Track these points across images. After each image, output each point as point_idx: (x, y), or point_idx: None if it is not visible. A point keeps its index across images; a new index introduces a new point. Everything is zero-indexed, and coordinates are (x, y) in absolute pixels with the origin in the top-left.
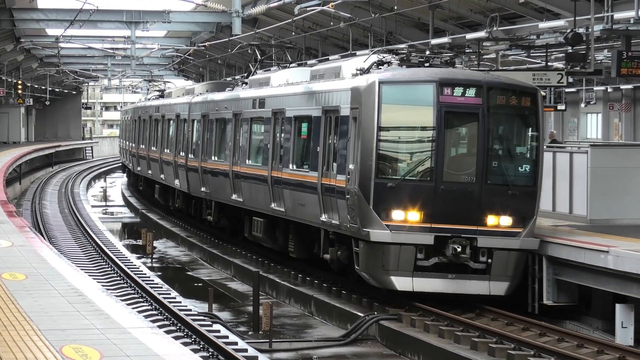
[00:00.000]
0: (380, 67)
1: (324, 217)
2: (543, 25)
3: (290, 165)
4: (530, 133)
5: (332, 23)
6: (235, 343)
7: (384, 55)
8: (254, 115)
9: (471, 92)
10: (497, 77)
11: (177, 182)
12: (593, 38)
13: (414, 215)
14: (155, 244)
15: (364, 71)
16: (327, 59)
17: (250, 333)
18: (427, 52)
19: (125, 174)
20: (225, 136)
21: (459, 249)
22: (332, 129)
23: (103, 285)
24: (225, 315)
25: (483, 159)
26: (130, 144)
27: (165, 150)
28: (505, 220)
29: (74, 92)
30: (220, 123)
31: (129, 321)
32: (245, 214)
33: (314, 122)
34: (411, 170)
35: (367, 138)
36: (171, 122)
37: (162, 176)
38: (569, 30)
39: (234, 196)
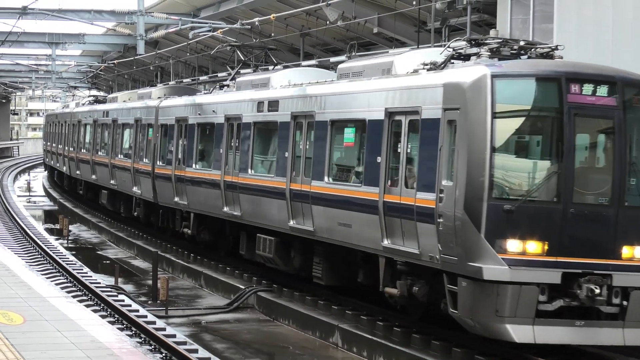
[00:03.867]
0: (453, 61)
1: (386, 243)
2: (392, 51)
3: (326, 178)
4: None
5: (220, 46)
6: (137, 310)
7: (465, 46)
8: (260, 119)
9: (603, 90)
10: (629, 72)
11: (136, 189)
12: None
13: (536, 246)
14: (71, 227)
15: (438, 66)
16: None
17: (149, 302)
18: (522, 43)
19: (47, 171)
20: (213, 142)
21: (596, 290)
22: (405, 135)
23: (26, 262)
24: (129, 287)
25: (620, 175)
26: (67, 148)
27: (119, 156)
28: None
29: (4, 101)
30: (206, 128)
31: (48, 291)
32: (241, 229)
33: (370, 127)
34: (534, 188)
35: (477, 148)
36: (127, 127)
37: (112, 182)
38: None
39: (226, 209)
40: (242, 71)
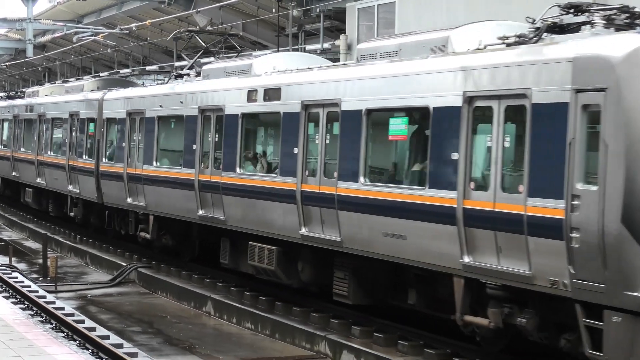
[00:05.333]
0: (548, 33)
1: (468, 260)
2: (256, 54)
3: (361, 179)
4: None
5: (101, 49)
6: (29, 286)
7: (560, 14)
8: (251, 110)
9: None
10: None
11: (72, 188)
12: None
13: None
14: None
15: (531, 39)
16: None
17: (40, 279)
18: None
19: None
20: (181, 137)
21: None
22: (499, 124)
23: None
24: (21, 266)
25: None
26: None
27: (49, 152)
28: None
29: None
30: (170, 122)
31: None
32: (223, 235)
33: (436, 117)
34: None
35: None
36: (59, 121)
37: (39, 180)
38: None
39: (201, 212)
40: (196, 60)
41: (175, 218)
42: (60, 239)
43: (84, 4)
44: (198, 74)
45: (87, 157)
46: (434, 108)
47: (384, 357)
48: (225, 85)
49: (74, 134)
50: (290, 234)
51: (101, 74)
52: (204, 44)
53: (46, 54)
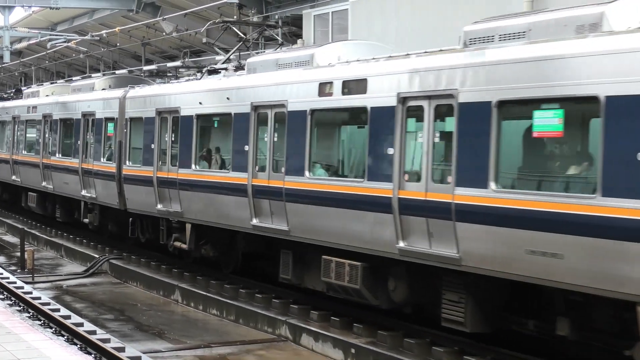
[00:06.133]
0: None
1: None
2: (218, 57)
3: (492, 184)
4: None
5: (74, 55)
6: (8, 277)
7: None
8: (325, 106)
9: None
10: None
11: (86, 192)
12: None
13: None
14: None
15: None
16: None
17: (18, 271)
18: None
19: None
20: (228, 138)
21: None
22: None
23: None
24: (0, 259)
25: None
26: None
27: (57, 155)
28: None
29: None
30: (212, 121)
31: None
32: (283, 247)
33: (610, 107)
34: None
35: None
36: (69, 122)
37: (45, 184)
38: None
39: (255, 221)
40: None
41: (220, 227)
42: (37, 233)
43: (57, 13)
44: (237, 68)
45: (105, 159)
46: (607, 97)
47: (340, 338)
48: (287, 79)
49: (87, 135)
50: (383, 248)
51: (118, 72)
52: (243, 35)
53: (22, 60)
